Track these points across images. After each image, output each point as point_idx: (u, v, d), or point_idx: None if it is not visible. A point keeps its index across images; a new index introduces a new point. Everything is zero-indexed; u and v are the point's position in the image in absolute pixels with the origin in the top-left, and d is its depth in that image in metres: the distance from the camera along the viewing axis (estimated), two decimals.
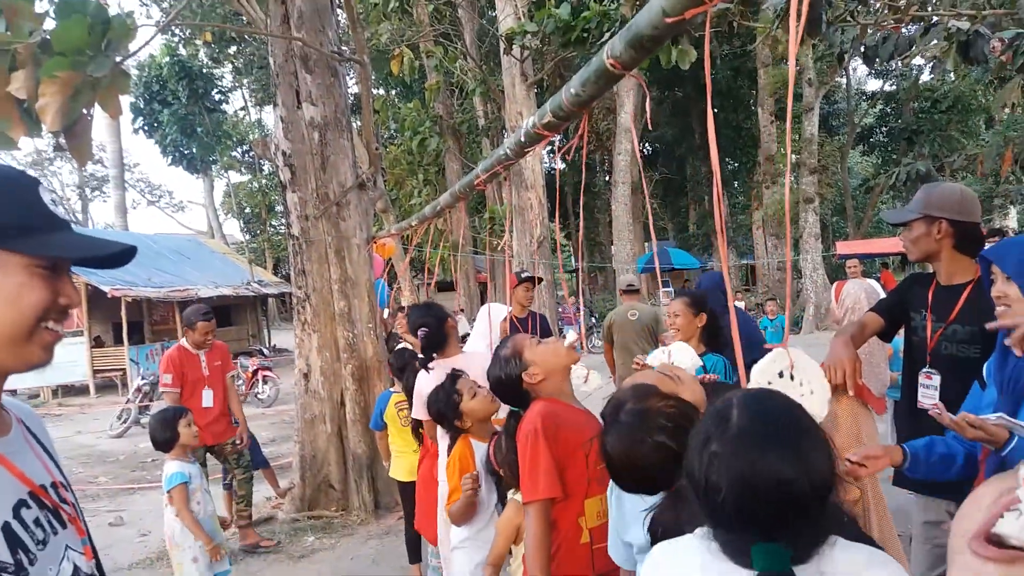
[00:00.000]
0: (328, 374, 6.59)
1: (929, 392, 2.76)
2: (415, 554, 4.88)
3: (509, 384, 2.51)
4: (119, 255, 1.19)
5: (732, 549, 1.14)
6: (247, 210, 40.48)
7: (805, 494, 1.08)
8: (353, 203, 6.75)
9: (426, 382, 3.82)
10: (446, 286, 25.35)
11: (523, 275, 6.10)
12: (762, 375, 1.98)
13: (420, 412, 3.89)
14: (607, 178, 32.36)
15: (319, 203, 6.62)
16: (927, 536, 2.83)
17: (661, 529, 1.60)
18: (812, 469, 1.09)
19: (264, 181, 34.80)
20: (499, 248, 19.01)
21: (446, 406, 3.10)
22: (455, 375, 3.20)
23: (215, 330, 5.95)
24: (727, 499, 1.10)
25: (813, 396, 1.97)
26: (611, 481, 1.97)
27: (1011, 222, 25.22)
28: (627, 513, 1.88)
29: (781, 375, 2.02)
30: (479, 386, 3.06)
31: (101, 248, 1.19)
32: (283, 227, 7.96)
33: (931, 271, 2.92)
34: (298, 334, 6.75)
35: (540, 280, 6.35)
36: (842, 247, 20.45)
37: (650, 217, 2.50)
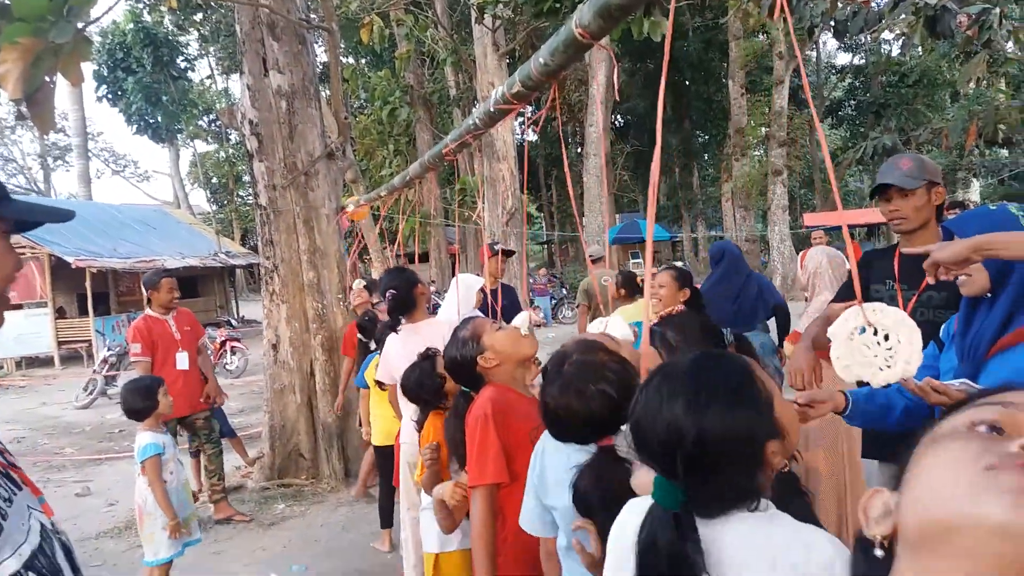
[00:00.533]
0: (297, 345, 6.58)
1: None
2: (387, 519, 4.93)
3: (464, 365, 2.53)
4: (62, 216, 1.24)
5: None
6: (214, 180, 39.87)
7: (698, 446, 1.11)
8: (322, 173, 6.69)
9: (393, 345, 3.84)
10: (420, 257, 25.28)
11: (496, 247, 6.12)
12: (839, 336, 1.90)
13: (385, 375, 3.91)
14: (579, 150, 32.35)
15: (287, 173, 6.55)
16: None
17: (583, 488, 1.68)
18: (712, 426, 1.11)
19: (231, 151, 34.23)
20: (470, 220, 18.98)
21: (428, 390, 3.08)
22: (430, 355, 3.17)
23: (177, 289, 5.89)
24: (635, 432, 1.19)
25: (902, 345, 1.88)
26: (537, 444, 2.03)
27: (973, 195, 25.62)
28: (549, 477, 1.93)
29: (863, 331, 1.94)
30: None
31: (49, 214, 1.24)
32: (251, 197, 7.85)
33: (884, 245, 2.95)
34: (266, 305, 6.70)
35: (512, 253, 6.37)
36: (809, 219, 20.71)
37: (605, 187, 2.52)
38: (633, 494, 1.62)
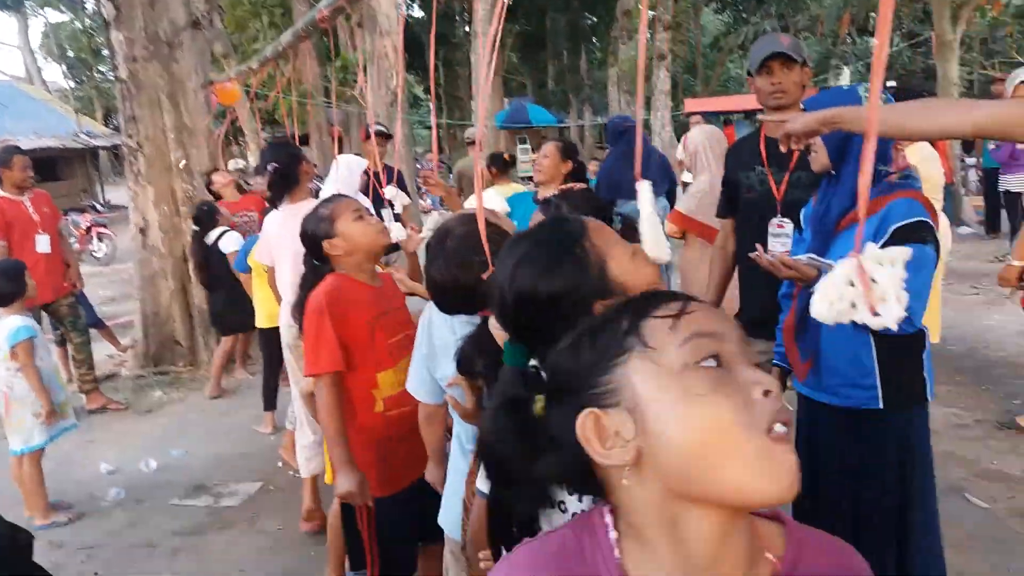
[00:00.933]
0: (167, 229, 6.28)
1: (781, 240, 2.78)
2: (270, 402, 4.93)
3: (311, 242, 2.51)
4: None
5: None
6: (70, 54, 36.42)
7: (548, 308, 1.14)
8: (187, 44, 6.22)
9: (272, 225, 3.72)
10: (299, 140, 24.27)
11: (375, 128, 5.94)
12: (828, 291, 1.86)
13: (264, 256, 3.80)
14: (467, 29, 31.29)
15: (148, 43, 6.06)
16: None
17: (467, 354, 1.71)
18: (525, 286, 1.14)
19: (88, 21, 31.21)
20: (353, 100, 18.24)
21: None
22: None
23: (32, 168, 5.45)
24: (496, 301, 1.20)
25: (888, 304, 1.89)
26: (423, 318, 2.06)
27: (844, 81, 26.67)
28: (438, 348, 1.99)
29: (842, 299, 1.93)
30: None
31: None
32: (112, 72, 7.22)
33: (746, 135, 3.02)
34: (132, 187, 6.32)
35: (390, 136, 6.18)
36: (690, 104, 21.05)
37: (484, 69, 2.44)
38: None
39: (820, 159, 2.25)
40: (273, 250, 3.70)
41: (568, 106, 31.60)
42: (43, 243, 5.35)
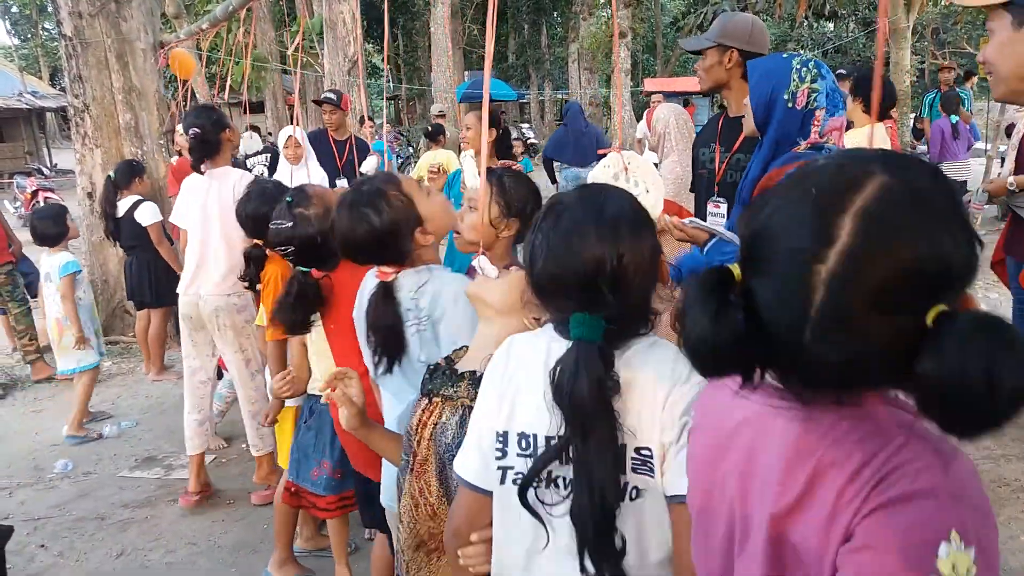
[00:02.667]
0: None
1: (716, 219, 2.81)
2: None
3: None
4: None
5: (562, 329, 1.22)
6: (14, 9, 34.95)
7: (618, 276, 1.16)
8: (135, 1, 6.00)
9: (187, 189, 3.63)
10: (254, 107, 23.73)
11: (323, 96, 5.84)
12: (599, 179, 2.03)
13: (177, 219, 3.70)
14: None
15: None
16: None
17: (366, 313, 1.90)
18: (626, 250, 1.16)
19: None
20: (309, 67, 17.89)
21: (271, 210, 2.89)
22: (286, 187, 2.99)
23: None
24: (544, 274, 1.19)
25: (648, 195, 2.05)
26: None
27: None
28: (363, 300, 2.05)
29: (616, 178, 2.09)
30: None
31: None
32: (57, 29, 6.88)
33: (720, 112, 3.04)
34: (78, 149, 6.12)
35: (339, 104, 6.04)
36: (650, 83, 21.12)
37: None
38: (398, 337, 1.82)
39: (748, 124, 2.29)
40: (182, 216, 3.66)
41: (529, 80, 31.46)
42: None
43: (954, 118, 8.27)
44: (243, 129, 10.33)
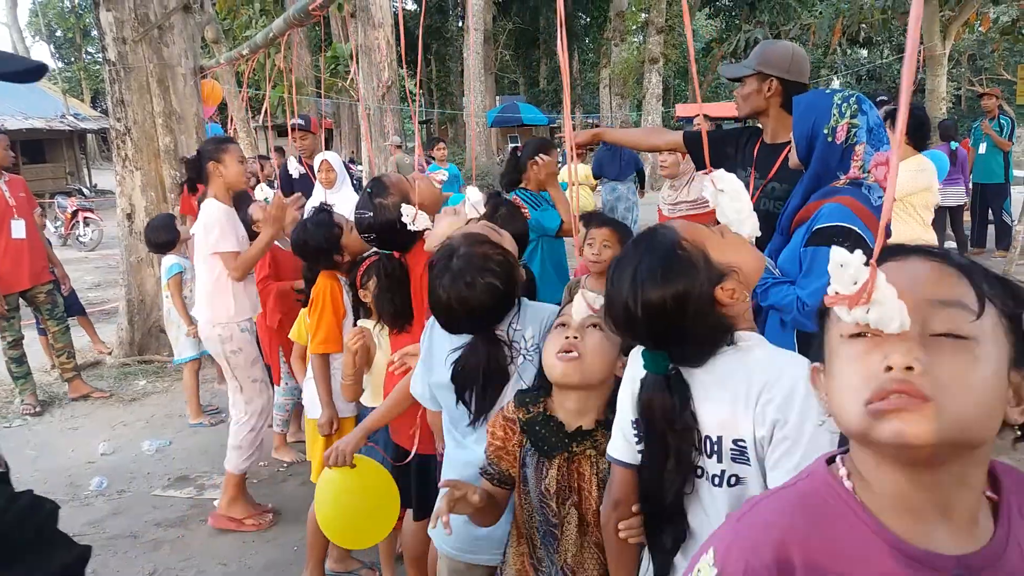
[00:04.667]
0: (154, 214, 6.20)
1: None
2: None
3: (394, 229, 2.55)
4: (31, 72, 1.12)
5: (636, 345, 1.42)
6: (58, 33, 36.01)
7: (671, 312, 1.28)
8: (177, 27, 6.15)
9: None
10: (287, 131, 24.15)
11: (292, 122, 5.92)
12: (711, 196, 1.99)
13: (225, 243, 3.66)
14: (460, 24, 31.20)
15: (138, 25, 5.98)
16: None
17: (462, 365, 1.83)
18: (680, 293, 1.27)
19: (77, 0, 30.81)
20: (344, 92, 18.16)
21: (326, 240, 2.98)
22: (325, 209, 3.12)
23: (12, 149, 5.37)
24: (618, 315, 1.34)
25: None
26: (428, 323, 2.08)
27: None
28: (435, 356, 1.99)
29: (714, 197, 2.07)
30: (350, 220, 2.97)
31: (15, 63, 1.12)
32: (101, 54, 7.09)
33: (753, 130, 3.03)
34: (119, 171, 6.24)
35: (308, 128, 6.10)
36: (682, 109, 21.12)
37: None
38: (504, 375, 1.81)
39: (793, 157, 2.32)
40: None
41: (559, 106, 31.60)
42: (18, 228, 5.25)
43: (953, 144, 8.72)
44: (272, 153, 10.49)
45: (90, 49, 34.27)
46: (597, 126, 26.89)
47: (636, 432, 1.42)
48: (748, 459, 1.27)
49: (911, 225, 4.44)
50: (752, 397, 1.26)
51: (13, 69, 1.10)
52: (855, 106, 2.17)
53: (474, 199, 2.49)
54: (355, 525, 2.51)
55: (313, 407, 3.07)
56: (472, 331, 1.85)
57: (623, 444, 1.46)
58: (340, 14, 17.16)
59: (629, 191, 8.47)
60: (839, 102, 2.17)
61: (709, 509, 1.33)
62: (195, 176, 3.65)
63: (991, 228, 9.43)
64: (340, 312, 3.02)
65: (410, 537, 2.58)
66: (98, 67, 30.39)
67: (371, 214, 2.54)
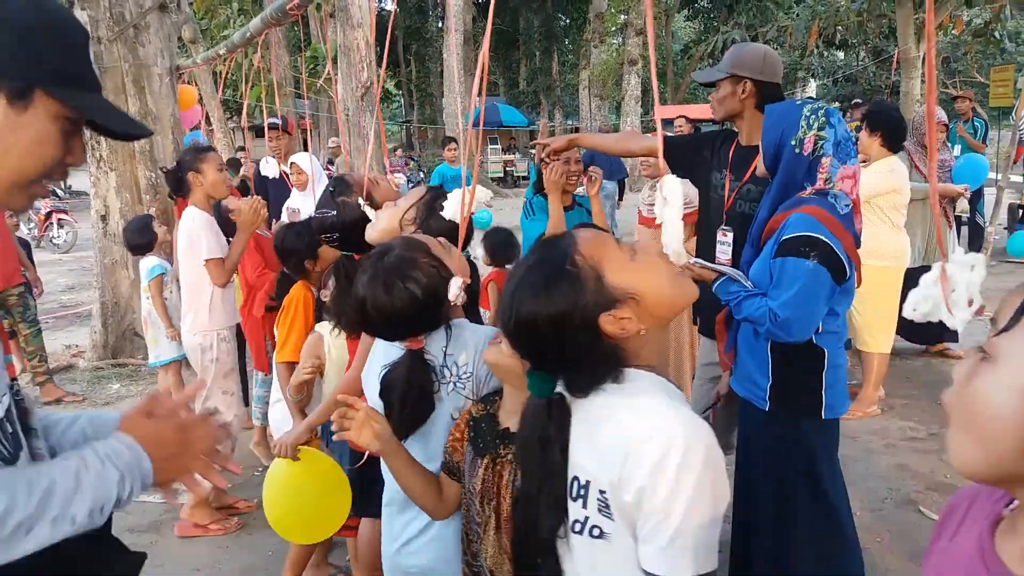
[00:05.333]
0: (129, 216, 6.13)
1: (724, 248, 2.87)
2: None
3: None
4: (134, 134, 1.15)
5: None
6: None
7: (543, 331, 1.15)
8: (153, 27, 6.10)
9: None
10: (264, 131, 24.01)
11: (270, 122, 5.89)
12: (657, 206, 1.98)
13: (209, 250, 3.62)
14: (440, 24, 31.17)
15: (113, 24, 5.92)
16: (703, 375, 3.14)
17: (388, 382, 1.73)
18: (555, 313, 1.14)
19: None
20: (322, 91, 18.06)
21: (304, 245, 3.00)
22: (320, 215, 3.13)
23: None
24: (503, 328, 1.22)
25: (669, 207, 1.97)
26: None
27: (811, 92, 27.13)
28: (371, 369, 1.92)
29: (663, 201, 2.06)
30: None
31: (126, 123, 1.14)
32: None
33: (728, 133, 3.05)
34: (93, 172, 6.19)
35: (284, 128, 6.08)
36: (661, 110, 21.20)
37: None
38: (428, 402, 1.73)
39: (760, 166, 2.35)
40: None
41: (539, 107, 31.66)
42: None
43: None
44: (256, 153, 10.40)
45: None
46: (577, 128, 27.00)
47: None
48: (611, 514, 1.13)
49: (879, 227, 4.49)
50: (619, 452, 1.10)
51: (126, 130, 1.14)
52: (823, 119, 2.20)
53: (453, 203, 2.46)
54: (304, 518, 2.46)
55: (281, 427, 3.01)
56: (386, 337, 1.80)
57: None
58: (319, 14, 17.07)
59: (615, 190, 8.90)
60: (808, 114, 2.20)
61: (565, 558, 1.21)
62: (175, 187, 3.65)
63: (964, 230, 9.57)
64: (311, 324, 3.00)
65: (365, 546, 2.57)
66: None
67: (334, 212, 2.51)
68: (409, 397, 1.71)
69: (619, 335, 1.14)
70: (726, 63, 2.84)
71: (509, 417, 1.58)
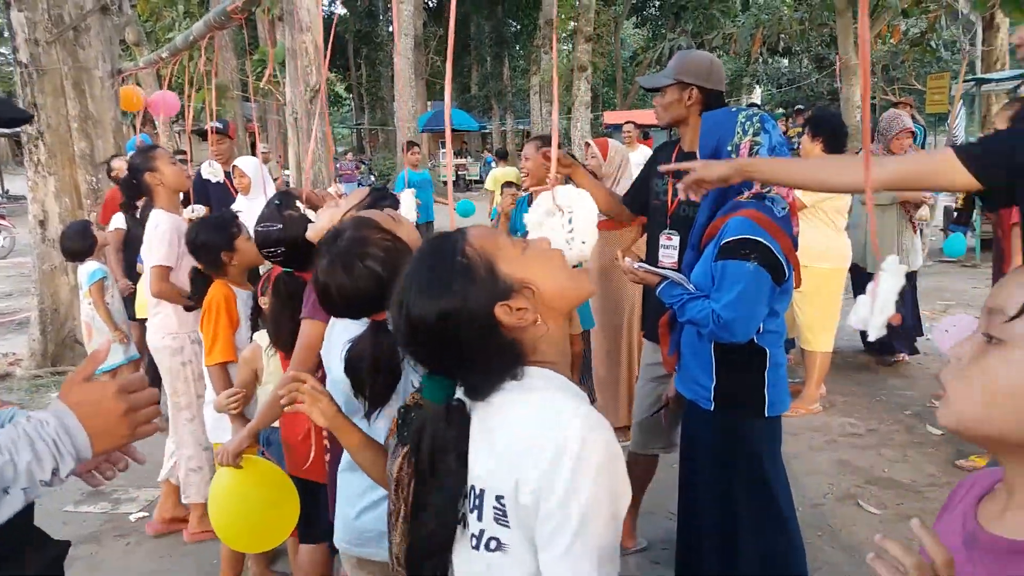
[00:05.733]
0: (68, 221, 5.98)
1: (669, 252, 2.93)
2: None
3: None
4: (14, 121, 1.16)
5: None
6: None
7: (435, 327, 1.11)
8: (94, 29, 5.97)
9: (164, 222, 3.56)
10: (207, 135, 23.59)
11: (214, 125, 5.82)
12: (533, 223, 2.03)
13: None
14: (390, 29, 31.02)
15: (52, 26, 5.78)
16: (647, 375, 3.19)
17: (353, 357, 1.71)
18: (451, 305, 1.10)
19: None
20: (270, 95, 17.83)
21: (221, 238, 2.91)
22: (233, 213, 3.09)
23: None
24: (399, 334, 1.16)
25: (577, 221, 2.01)
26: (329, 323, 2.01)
27: (755, 100, 27.68)
28: (333, 349, 1.90)
29: (550, 215, 2.10)
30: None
31: (8, 110, 1.15)
32: (12, 56, 6.73)
33: (675, 139, 3.11)
34: (31, 177, 6.02)
35: (226, 132, 6.03)
36: (610, 116, 21.45)
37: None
38: (395, 373, 1.70)
39: None
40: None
41: (491, 112, 31.72)
42: None
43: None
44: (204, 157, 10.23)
45: (2, 50, 32.85)
46: (528, 132, 27.08)
47: None
48: (508, 522, 1.09)
49: (823, 231, 4.63)
50: (515, 452, 1.07)
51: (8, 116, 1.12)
52: (758, 125, 2.26)
53: (408, 204, 2.45)
54: (251, 526, 2.43)
55: (217, 431, 2.97)
56: (353, 316, 1.78)
57: None
58: (267, 17, 16.87)
59: None
60: (743, 120, 2.26)
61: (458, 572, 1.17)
62: (134, 194, 3.55)
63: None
64: (235, 322, 2.95)
65: (306, 563, 2.54)
66: (9, 69, 29.14)
67: (279, 227, 2.41)
68: (377, 369, 1.68)
69: (515, 325, 1.11)
70: (672, 69, 2.88)
71: None
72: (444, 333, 1.10)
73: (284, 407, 1.62)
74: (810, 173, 2.00)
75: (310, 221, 2.39)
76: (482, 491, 1.11)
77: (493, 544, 1.10)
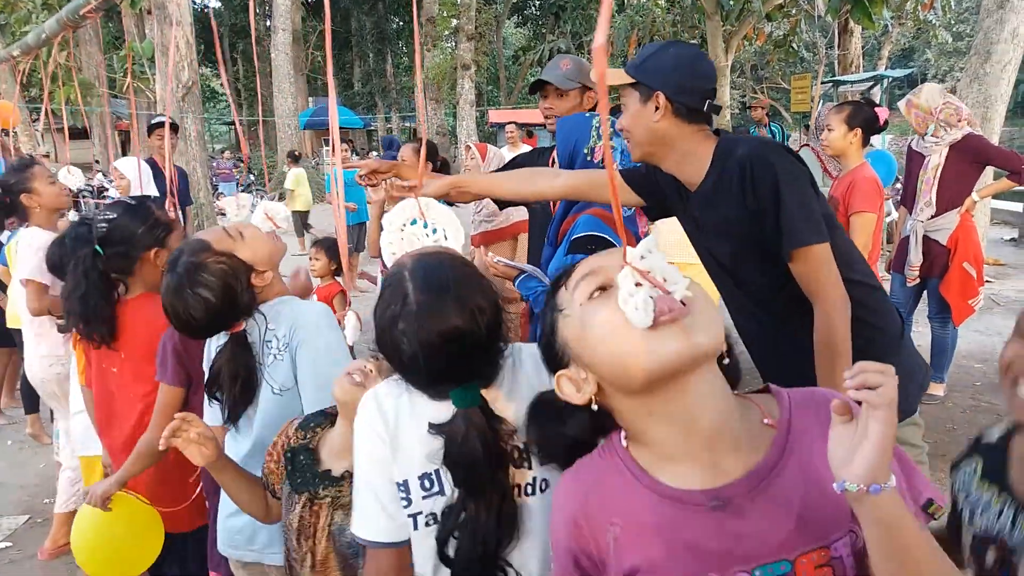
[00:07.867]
0: None
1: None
2: (31, 403, 4.54)
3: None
4: None
5: (433, 394, 1.23)
6: None
7: (482, 338, 1.18)
8: None
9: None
10: (78, 133, 22.29)
11: (152, 122, 5.64)
12: (393, 224, 2.10)
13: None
14: (267, 23, 30.18)
15: None
16: None
17: (214, 370, 1.79)
18: (481, 315, 1.17)
19: None
20: (141, 92, 17.10)
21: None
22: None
23: None
24: (422, 364, 1.17)
25: (448, 240, 2.12)
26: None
27: None
28: (212, 353, 1.91)
29: (414, 222, 2.17)
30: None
31: None
32: None
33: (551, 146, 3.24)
34: None
35: (176, 128, 5.86)
36: (494, 115, 21.67)
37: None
38: (252, 381, 1.77)
39: None
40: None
41: (376, 108, 31.40)
42: None
43: None
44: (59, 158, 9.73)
45: None
46: (415, 130, 26.97)
47: (404, 496, 1.26)
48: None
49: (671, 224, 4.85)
50: (539, 390, 1.18)
51: None
52: (611, 129, 2.40)
53: (276, 214, 2.42)
54: (115, 560, 2.35)
55: (86, 443, 2.83)
56: (206, 336, 1.83)
57: (384, 520, 1.27)
58: (133, 11, 16.13)
59: None
60: (597, 125, 2.41)
61: (522, 527, 1.23)
62: (7, 213, 3.32)
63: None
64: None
65: None
66: None
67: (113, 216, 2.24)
68: (236, 379, 1.75)
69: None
70: (576, 73, 2.89)
71: (333, 458, 1.54)
72: (471, 345, 1.17)
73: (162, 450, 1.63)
74: (509, 187, 2.23)
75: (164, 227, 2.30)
76: (525, 445, 1.21)
77: (544, 485, 1.23)
